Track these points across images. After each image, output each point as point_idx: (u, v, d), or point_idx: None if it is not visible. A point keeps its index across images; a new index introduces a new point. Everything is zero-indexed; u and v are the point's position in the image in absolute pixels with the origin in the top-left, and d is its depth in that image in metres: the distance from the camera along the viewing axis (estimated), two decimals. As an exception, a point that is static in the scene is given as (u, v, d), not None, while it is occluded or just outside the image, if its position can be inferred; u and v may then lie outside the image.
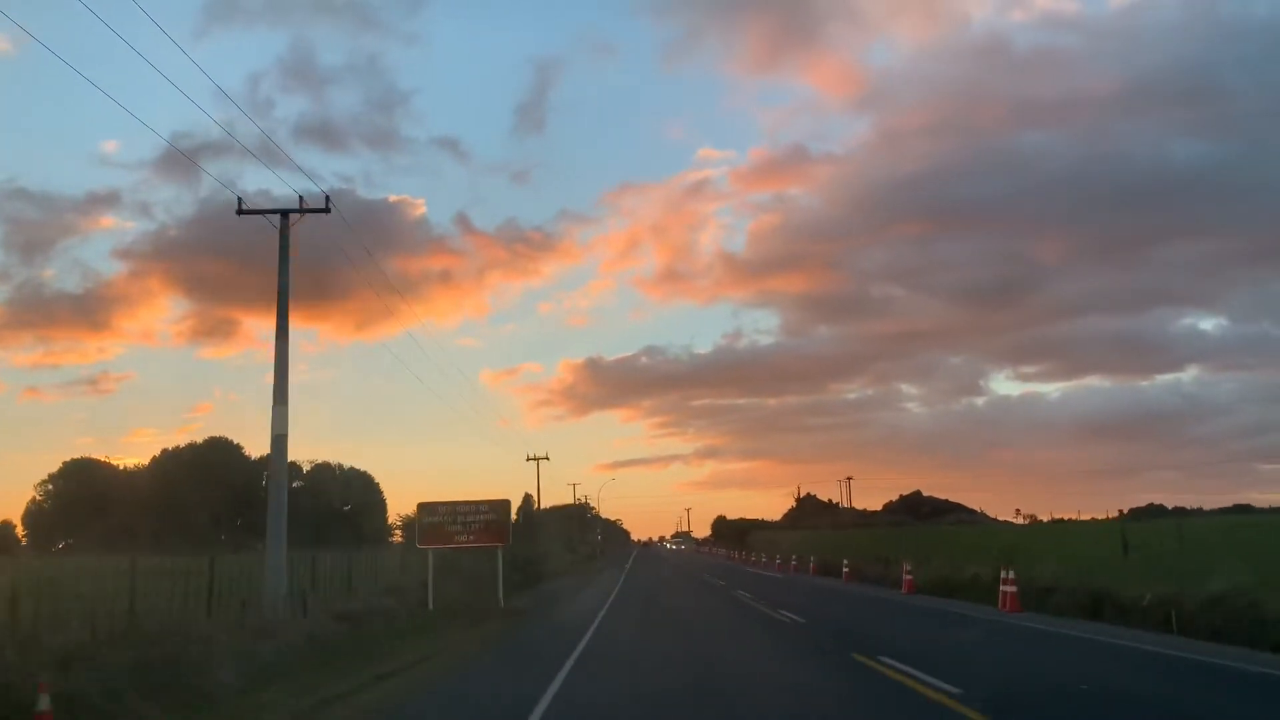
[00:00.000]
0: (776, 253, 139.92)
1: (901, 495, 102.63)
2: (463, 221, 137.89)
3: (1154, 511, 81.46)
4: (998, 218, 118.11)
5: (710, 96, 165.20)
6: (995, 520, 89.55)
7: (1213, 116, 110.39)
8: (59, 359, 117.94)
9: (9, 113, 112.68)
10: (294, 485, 51.19)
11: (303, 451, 75.56)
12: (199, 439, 70.21)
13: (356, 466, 73.67)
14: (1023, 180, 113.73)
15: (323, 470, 73.39)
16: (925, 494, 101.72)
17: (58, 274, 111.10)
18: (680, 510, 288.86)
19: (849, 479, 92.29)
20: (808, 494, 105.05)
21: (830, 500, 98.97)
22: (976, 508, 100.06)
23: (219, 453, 69.90)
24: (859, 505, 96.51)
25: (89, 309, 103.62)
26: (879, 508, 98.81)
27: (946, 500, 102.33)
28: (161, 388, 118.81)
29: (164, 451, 69.30)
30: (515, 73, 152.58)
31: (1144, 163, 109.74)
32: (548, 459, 65.23)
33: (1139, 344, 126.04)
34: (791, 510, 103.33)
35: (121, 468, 70.15)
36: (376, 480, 75.11)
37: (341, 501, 67.83)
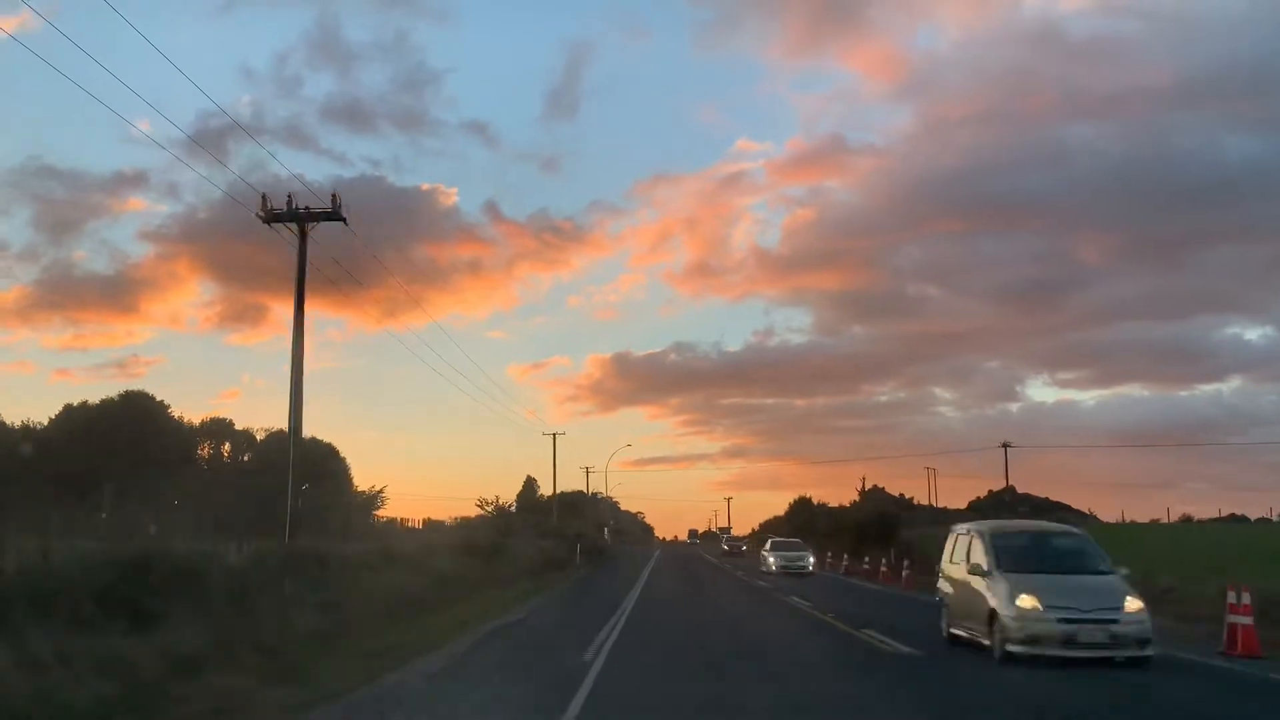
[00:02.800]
0: (811, 249, 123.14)
1: (991, 491, 73.84)
2: (492, 210, 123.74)
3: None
4: (1040, 215, 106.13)
5: (747, 82, 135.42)
6: (1105, 521, 74.85)
7: (1271, 114, 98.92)
8: (88, 342, 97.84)
9: (35, 89, 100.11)
10: (243, 459, 63.34)
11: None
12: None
13: (319, 437, 47.93)
14: (1068, 176, 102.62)
15: (278, 440, 45.51)
16: (1020, 491, 75.11)
17: (87, 255, 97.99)
18: (709, 508, 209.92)
19: (931, 470, 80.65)
20: (874, 486, 66.31)
21: (902, 495, 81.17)
22: (1085, 508, 79.50)
23: (135, 411, 50.97)
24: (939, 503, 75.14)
25: (118, 291, 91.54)
26: (963, 505, 74.94)
27: (1046, 498, 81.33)
28: (190, 372, 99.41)
29: (68, 408, 53.05)
30: (547, 55, 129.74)
31: (1195, 160, 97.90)
32: (564, 433, 67.65)
33: (1180, 352, 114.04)
34: (855, 505, 64.53)
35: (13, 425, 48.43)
36: (341, 454, 48.54)
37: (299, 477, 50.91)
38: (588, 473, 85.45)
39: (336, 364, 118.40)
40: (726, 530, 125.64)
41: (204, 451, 63.19)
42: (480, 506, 56.70)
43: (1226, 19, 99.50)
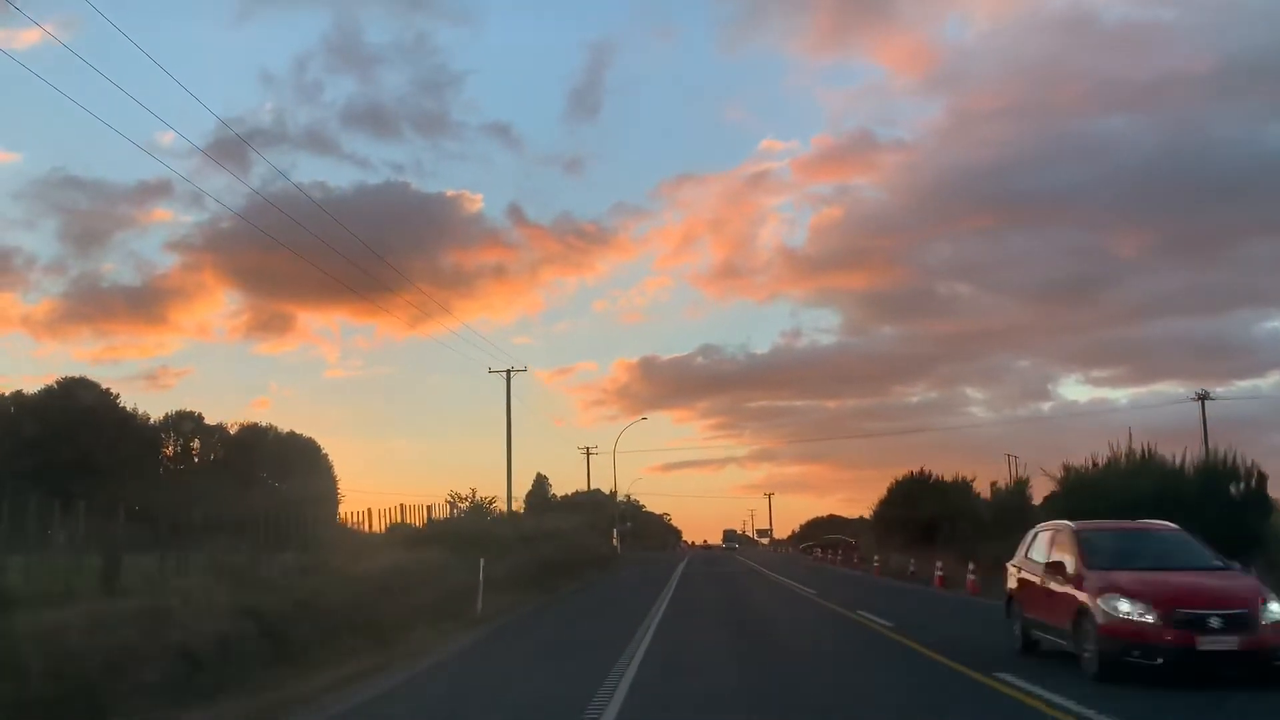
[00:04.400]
0: (839, 248, 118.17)
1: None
2: (516, 213, 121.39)
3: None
4: (1073, 209, 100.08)
5: (773, 79, 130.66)
6: None
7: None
8: (119, 353, 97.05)
9: (57, 100, 78.59)
10: (212, 457, 53.94)
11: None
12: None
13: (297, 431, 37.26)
14: (1102, 169, 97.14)
15: (252, 434, 36.11)
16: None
17: (114, 267, 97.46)
18: (744, 508, 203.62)
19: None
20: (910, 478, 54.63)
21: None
22: None
23: (77, 401, 42.04)
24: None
25: (146, 302, 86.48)
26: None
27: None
28: (220, 383, 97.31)
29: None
30: (569, 55, 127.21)
31: (1234, 151, 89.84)
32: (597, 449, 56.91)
33: (1217, 348, 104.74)
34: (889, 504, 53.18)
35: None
36: (324, 450, 38.83)
37: (273, 475, 41.63)
38: (588, 454, 69.05)
39: (364, 371, 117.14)
40: (767, 532, 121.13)
41: (168, 450, 53.97)
42: (454, 503, 42.46)
43: (1267, 2, 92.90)
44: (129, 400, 51.38)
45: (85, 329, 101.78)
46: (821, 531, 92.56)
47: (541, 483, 75.91)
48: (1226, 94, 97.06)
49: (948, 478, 37.13)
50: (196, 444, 53.14)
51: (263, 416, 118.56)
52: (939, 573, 27.40)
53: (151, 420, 46.73)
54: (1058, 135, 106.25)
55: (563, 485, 79.05)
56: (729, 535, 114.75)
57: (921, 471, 39.22)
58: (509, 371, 43.88)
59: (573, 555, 35.06)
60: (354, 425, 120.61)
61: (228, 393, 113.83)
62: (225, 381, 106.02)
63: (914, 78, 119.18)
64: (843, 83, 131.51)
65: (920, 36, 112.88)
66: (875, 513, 43.86)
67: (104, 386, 44.15)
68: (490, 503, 44.24)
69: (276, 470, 48.29)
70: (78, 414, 40.27)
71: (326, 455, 47.34)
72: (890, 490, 40.65)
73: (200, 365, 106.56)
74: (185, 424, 51.93)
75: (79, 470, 38.32)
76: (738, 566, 49.40)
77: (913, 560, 31.53)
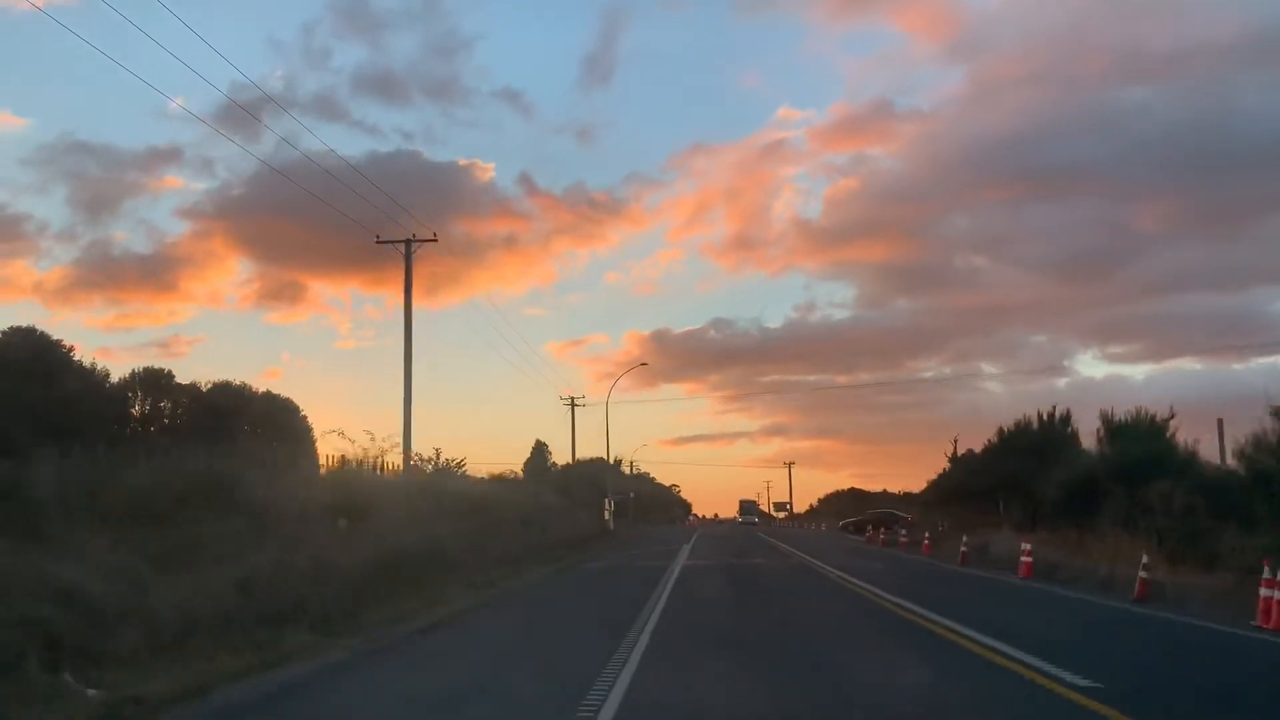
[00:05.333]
0: (854, 219, 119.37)
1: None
2: (528, 182, 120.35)
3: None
4: (1094, 181, 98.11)
5: (790, 46, 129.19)
6: None
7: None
8: (132, 321, 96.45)
9: (66, 64, 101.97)
10: (177, 414, 49.37)
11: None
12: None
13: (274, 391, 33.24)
14: (1125, 140, 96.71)
15: (223, 394, 31.76)
16: None
17: (125, 234, 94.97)
18: (760, 480, 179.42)
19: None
20: (969, 449, 50.34)
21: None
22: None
23: (24, 353, 34.64)
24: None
25: (157, 270, 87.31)
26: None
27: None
28: (231, 351, 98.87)
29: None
30: (581, 19, 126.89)
31: (1262, 122, 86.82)
32: (584, 400, 48.30)
33: (1237, 324, 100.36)
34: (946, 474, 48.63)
35: None
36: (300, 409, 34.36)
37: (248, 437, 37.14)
38: (573, 404, 60.92)
39: (375, 342, 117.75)
40: (786, 506, 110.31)
41: (137, 410, 49.24)
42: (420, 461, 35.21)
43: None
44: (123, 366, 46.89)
45: (97, 296, 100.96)
46: (844, 506, 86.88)
47: (541, 450, 71.39)
48: (1254, 63, 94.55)
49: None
50: (166, 405, 48.54)
51: (276, 387, 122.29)
52: (1143, 575, 17.18)
53: (115, 379, 42.09)
54: (1080, 106, 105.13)
55: (540, 442, 73.79)
56: (746, 507, 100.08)
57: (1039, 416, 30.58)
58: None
59: (518, 534, 28.59)
60: (363, 394, 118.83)
61: (240, 361, 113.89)
62: (237, 350, 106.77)
63: (934, 45, 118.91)
64: (861, 50, 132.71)
65: (942, 1, 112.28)
66: (938, 482, 38.45)
67: (57, 339, 39.43)
68: (458, 465, 39.28)
69: (253, 432, 44.18)
70: (28, 366, 35.65)
71: (305, 417, 42.75)
72: (987, 448, 33.51)
73: (212, 333, 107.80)
74: (154, 382, 47.35)
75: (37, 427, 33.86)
76: (766, 552, 37.40)
77: (1026, 544, 23.67)
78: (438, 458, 37.22)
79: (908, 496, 74.25)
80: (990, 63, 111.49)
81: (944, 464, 48.45)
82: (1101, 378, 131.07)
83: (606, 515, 55.78)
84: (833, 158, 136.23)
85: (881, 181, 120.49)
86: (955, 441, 60.09)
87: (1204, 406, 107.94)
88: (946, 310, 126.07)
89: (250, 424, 41.57)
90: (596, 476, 63.15)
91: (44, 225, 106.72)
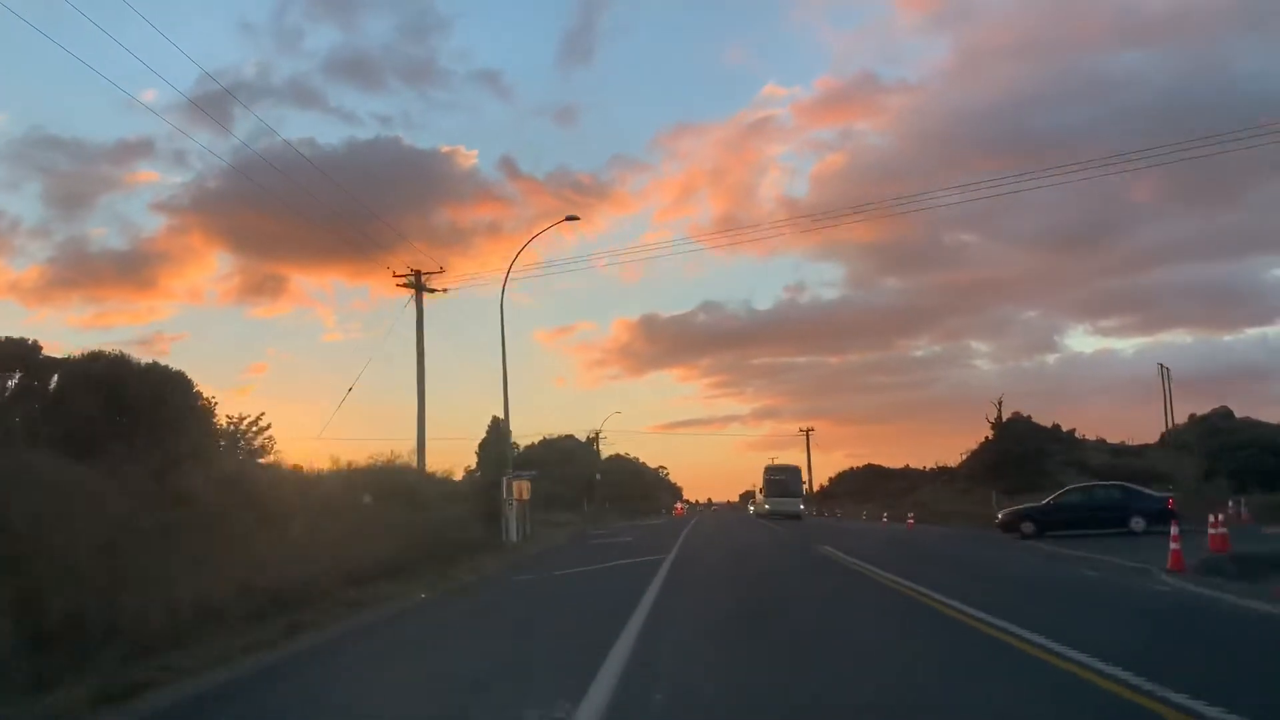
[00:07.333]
0: (842, 197, 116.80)
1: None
2: (509, 166, 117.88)
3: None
4: (1083, 153, 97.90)
5: (774, 18, 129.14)
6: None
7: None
8: (111, 320, 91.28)
9: (34, 55, 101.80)
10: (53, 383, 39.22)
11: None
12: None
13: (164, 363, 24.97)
14: (1114, 109, 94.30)
15: (104, 366, 22.16)
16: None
17: (101, 230, 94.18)
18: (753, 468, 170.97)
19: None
20: (1015, 413, 47.69)
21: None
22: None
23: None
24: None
25: (136, 266, 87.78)
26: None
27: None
28: (214, 347, 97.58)
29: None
30: None
31: (1256, 87, 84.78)
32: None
33: (1227, 294, 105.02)
34: (989, 444, 45.01)
35: None
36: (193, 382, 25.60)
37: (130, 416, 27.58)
38: (419, 282, 37.61)
39: (362, 335, 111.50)
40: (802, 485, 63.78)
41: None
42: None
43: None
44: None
45: (75, 295, 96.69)
46: (863, 486, 79.62)
47: (497, 426, 60.61)
48: (1247, 27, 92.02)
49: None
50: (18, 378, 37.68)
51: (260, 382, 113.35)
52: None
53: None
54: (1069, 75, 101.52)
55: (497, 418, 63.61)
56: (778, 483, 59.43)
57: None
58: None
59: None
60: (358, 390, 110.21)
61: (223, 358, 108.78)
62: (220, 346, 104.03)
63: (920, 14, 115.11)
64: (847, 22, 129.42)
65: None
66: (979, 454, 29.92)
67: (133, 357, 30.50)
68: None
69: (135, 411, 33.94)
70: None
71: (200, 393, 32.36)
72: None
73: (194, 330, 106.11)
74: (17, 354, 36.45)
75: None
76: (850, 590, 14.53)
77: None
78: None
79: (943, 471, 67.71)
80: (976, 32, 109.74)
81: (970, 436, 46.73)
82: (1091, 353, 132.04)
83: (507, 511, 29.77)
84: (819, 133, 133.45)
85: (869, 157, 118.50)
86: (1000, 403, 52.17)
87: (1188, 376, 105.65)
88: (936, 288, 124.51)
89: (136, 398, 31.66)
90: (572, 455, 53.76)
91: (16, 222, 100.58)
